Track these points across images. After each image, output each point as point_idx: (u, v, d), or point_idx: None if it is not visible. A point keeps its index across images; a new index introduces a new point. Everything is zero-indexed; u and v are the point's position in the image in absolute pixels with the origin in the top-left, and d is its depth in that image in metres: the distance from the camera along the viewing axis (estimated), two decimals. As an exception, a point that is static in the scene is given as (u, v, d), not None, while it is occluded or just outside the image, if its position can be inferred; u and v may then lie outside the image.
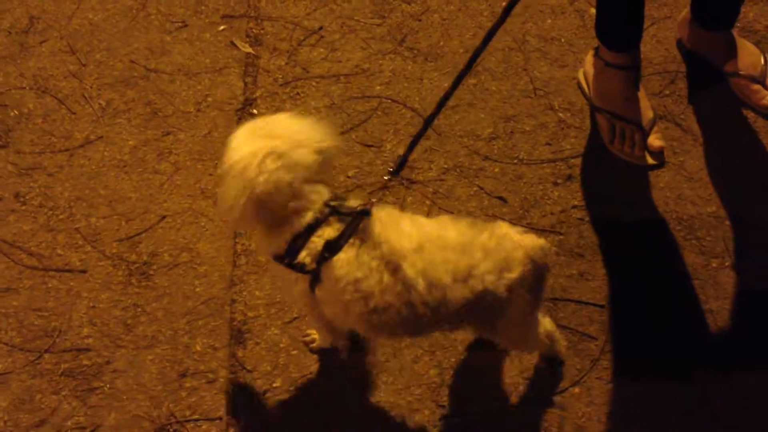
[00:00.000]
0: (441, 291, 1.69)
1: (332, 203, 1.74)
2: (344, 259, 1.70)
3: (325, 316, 1.86)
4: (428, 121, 1.85)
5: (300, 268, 1.74)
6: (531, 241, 1.75)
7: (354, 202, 1.77)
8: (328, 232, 1.72)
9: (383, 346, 2.21)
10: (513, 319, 1.79)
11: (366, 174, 2.56)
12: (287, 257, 1.74)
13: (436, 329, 1.85)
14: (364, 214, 1.73)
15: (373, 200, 1.76)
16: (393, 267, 1.68)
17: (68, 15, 2.92)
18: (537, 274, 1.76)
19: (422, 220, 1.79)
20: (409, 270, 1.68)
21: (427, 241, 1.71)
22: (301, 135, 1.73)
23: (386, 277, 1.68)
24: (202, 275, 2.36)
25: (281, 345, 2.24)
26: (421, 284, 1.68)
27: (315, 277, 1.75)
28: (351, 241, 1.71)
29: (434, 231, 1.74)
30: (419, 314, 1.70)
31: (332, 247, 1.71)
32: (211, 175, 2.55)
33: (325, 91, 2.75)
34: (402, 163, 1.80)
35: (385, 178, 1.78)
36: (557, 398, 2.13)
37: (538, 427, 2.09)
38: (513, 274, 1.71)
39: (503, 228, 1.76)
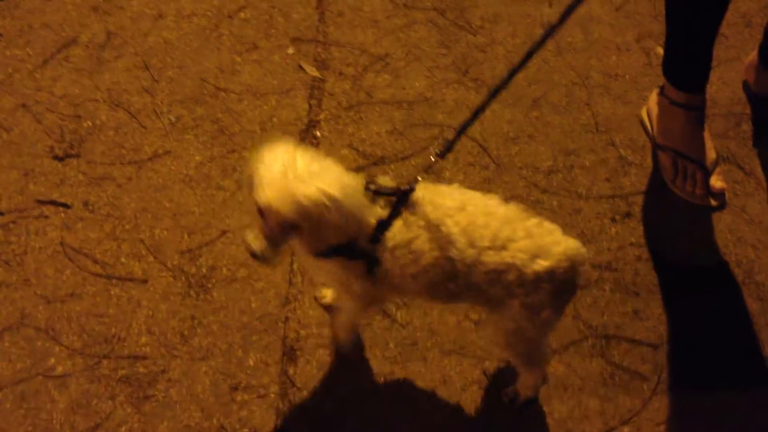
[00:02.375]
0: (477, 251, 1.73)
1: (371, 186, 1.78)
2: (395, 227, 1.75)
3: (378, 298, 1.91)
4: (477, 111, 1.87)
5: (357, 254, 1.77)
6: (574, 243, 1.78)
7: (389, 182, 1.82)
8: (377, 211, 1.76)
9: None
10: (523, 315, 1.78)
11: (424, 200, 2.58)
12: (339, 249, 1.76)
13: (465, 298, 1.86)
14: (410, 191, 1.77)
15: (418, 177, 1.79)
16: (437, 223, 1.74)
17: (144, 32, 3.03)
18: (568, 278, 1.76)
19: (465, 189, 1.85)
20: (453, 227, 1.74)
21: (470, 204, 1.77)
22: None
23: (432, 234, 1.73)
24: (259, 291, 2.40)
25: (332, 365, 2.27)
26: (461, 241, 1.73)
27: (372, 259, 1.78)
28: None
29: (479, 198, 1.81)
30: (457, 271, 1.75)
31: (384, 226, 1.75)
32: (272, 193, 2.60)
33: (388, 116, 2.79)
34: (449, 147, 1.83)
35: (432, 159, 1.82)
36: (607, 435, 2.11)
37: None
38: (546, 263, 1.72)
39: (552, 225, 1.80)
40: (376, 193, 1.78)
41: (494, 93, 1.84)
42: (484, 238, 1.73)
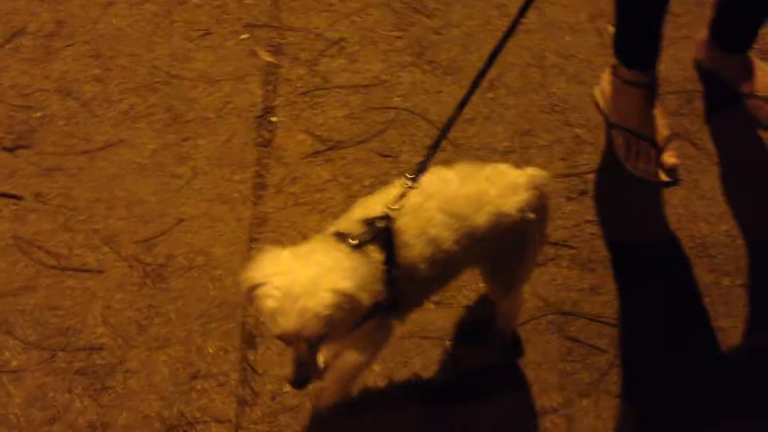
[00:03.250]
0: (468, 221, 1.77)
1: (354, 242, 1.69)
2: (403, 223, 1.74)
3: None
4: (445, 130, 1.87)
5: (384, 307, 1.74)
6: (532, 170, 1.88)
7: (361, 226, 1.75)
8: (377, 257, 1.71)
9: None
10: (525, 250, 1.91)
11: (382, 183, 2.56)
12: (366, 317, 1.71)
13: (467, 265, 1.93)
14: (388, 225, 1.74)
15: (388, 209, 1.76)
16: (423, 229, 1.75)
17: (94, 20, 2.98)
18: (541, 201, 1.88)
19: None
20: (436, 220, 1.76)
21: (431, 190, 1.79)
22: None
23: (425, 239, 1.75)
24: (217, 279, 2.39)
25: (292, 350, 2.26)
26: (450, 224, 1.76)
27: (397, 298, 1.76)
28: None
29: (434, 180, 1.82)
30: (466, 246, 1.78)
31: (390, 265, 1.71)
32: (228, 181, 2.58)
33: (344, 101, 2.78)
34: (421, 170, 1.81)
35: (407, 186, 1.77)
36: (565, 410, 2.13)
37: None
38: (520, 197, 1.82)
39: (503, 165, 1.89)
40: (359, 246, 1.70)
41: (472, 88, 1.89)
42: (463, 207, 1.77)
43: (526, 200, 1.82)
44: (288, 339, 1.59)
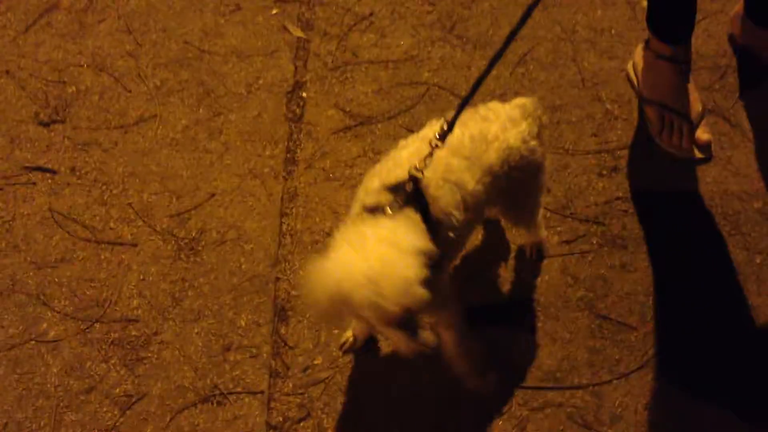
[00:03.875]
0: (482, 160, 1.83)
1: (392, 209, 1.72)
2: (425, 179, 1.76)
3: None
4: (466, 99, 1.83)
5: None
6: (520, 100, 1.96)
7: (389, 197, 1.77)
8: (416, 217, 1.74)
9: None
10: (537, 176, 2.00)
11: (411, 159, 2.58)
12: None
13: (489, 203, 1.96)
14: (417, 182, 1.75)
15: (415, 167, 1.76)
16: (446, 174, 1.80)
17: (126, -5, 3.00)
18: (537, 122, 1.96)
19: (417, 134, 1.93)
20: (456, 166, 1.81)
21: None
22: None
23: (451, 185, 1.80)
24: (248, 253, 2.41)
25: (323, 324, 2.29)
26: (467, 164, 1.82)
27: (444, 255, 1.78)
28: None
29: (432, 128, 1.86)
30: (486, 184, 1.84)
31: (430, 225, 1.75)
32: (259, 156, 2.60)
33: (374, 76, 2.78)
34: (448, 129, 1.80)
35: (434, 145, 1.78)
36: (594, 387, 2.14)
37: (574, 412, 2.11)
38: (520, 127, 1.89)
39: (494, 103, 1.97)
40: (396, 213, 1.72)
41: (493, 61, 1.86)
42: (473, 149, 1.82)
43: (527, 129, 1.90)
44: (397, 320, 1.57)
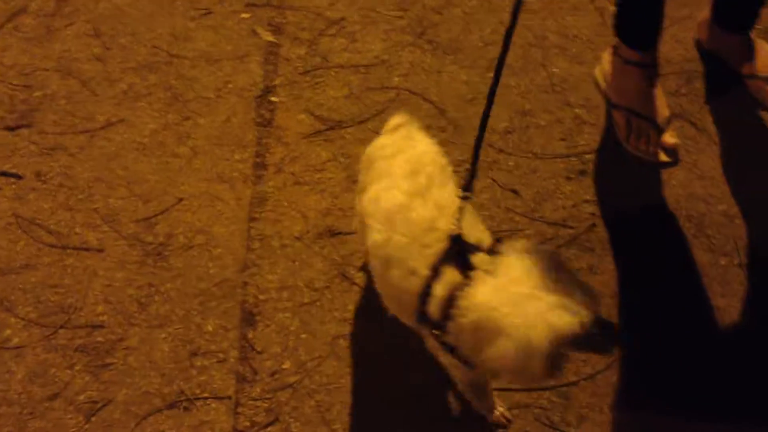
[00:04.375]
0: None
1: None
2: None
3: None
4: (477, 146, 1.79)
5: None
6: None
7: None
8: None
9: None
10: None
11: (381, 164, 2.58)
12: None
13: None
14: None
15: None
16: None
17: (95, -1, 2.98)
18: None
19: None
20: None
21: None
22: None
23: None
24: (216, 258, 2.40)
25: (291, 328, 2.27)
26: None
27: None
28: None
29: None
30: None
31: None
32: (228, 160, 2.59)
33: (344, 80, 2.78)
34: (471, 176, 1.73)
35: (464, 197, 1.70)
36: (560, 388, 2.14)
37: (540, 413, 2.11)
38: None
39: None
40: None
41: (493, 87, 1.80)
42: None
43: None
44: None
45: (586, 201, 2.46)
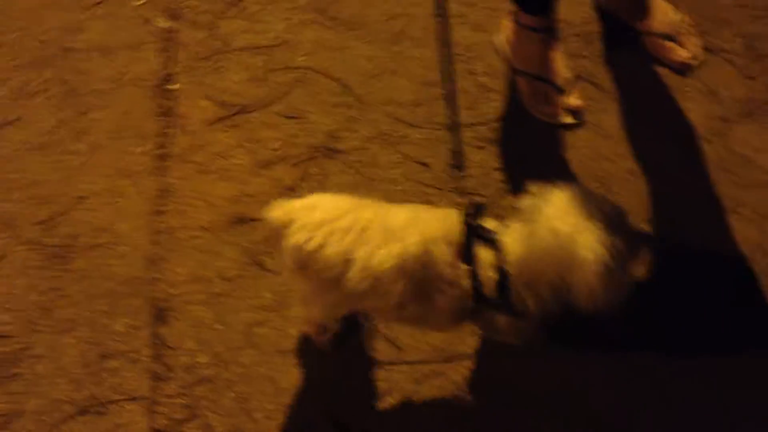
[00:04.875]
0: None
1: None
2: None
3: None
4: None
5: None
6: None
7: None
8: None
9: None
10: None
11: (290, 146, 2.54)
12: None
13: None
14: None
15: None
16: None
17: (-22, -5, 2.85)
18: None
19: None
20: None
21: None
22: None
23: None
24: (122, 255, 2.33)
25: (205, 321, 2.23)
26: None
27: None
28: None
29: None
30: None
31: None
32: (129, 154, 2.51)
33: (247, 63, 2.71)
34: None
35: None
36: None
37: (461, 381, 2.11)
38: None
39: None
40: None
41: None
42: None
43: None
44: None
45: (496, 169, 2.45)
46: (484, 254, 1.72)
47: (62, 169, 2.48)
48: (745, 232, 2.31)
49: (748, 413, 2.06)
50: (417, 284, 1.72)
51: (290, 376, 2.14)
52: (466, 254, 1.71)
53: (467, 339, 2.18)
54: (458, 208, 1.76)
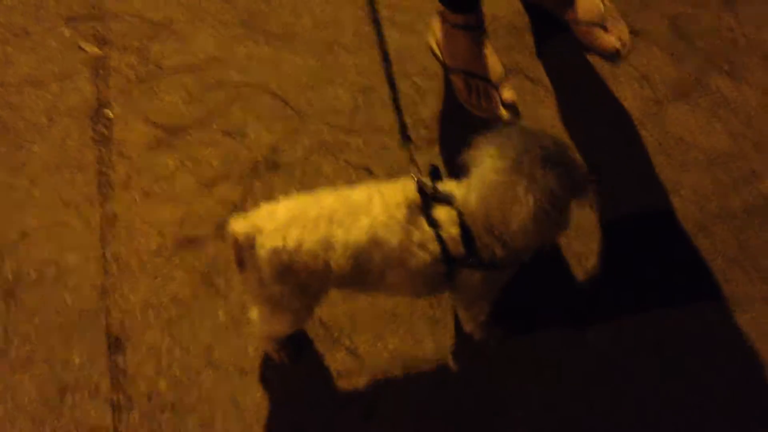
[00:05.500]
0: None
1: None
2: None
3: None
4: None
5: None
6: None
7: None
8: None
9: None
10: None
11: (232, 163, 2.54)
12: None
13: None
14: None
15: None
16: None
17: None
18: None
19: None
20: None
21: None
22: None
23: None
24: (73, 288, 2.31)
25: (162, 347, 2.22)
26: None
27: None
28: None
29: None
30: None
31: None
32: (70, 184, 2.48)
33: (181, 83, 2.70)
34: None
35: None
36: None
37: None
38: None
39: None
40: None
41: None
42: None
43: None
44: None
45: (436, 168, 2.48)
46: (443, 213, 1.77)
47: (2, 205, 2.44)
48: (686, 212, 2.39)
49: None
50: (391, 251, 1.76)
51: (252, 395, 2.15)
52: (427, 216, 1.77)
53: (426, 343, 2.22)
54: (414, 175, 1.81)
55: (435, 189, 1.80)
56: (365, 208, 1.76)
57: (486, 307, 2.07)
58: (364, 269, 1.78)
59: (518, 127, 1.75)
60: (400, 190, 1.81)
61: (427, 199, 1.78)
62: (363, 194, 1.80)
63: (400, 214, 1.76)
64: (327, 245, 1.74)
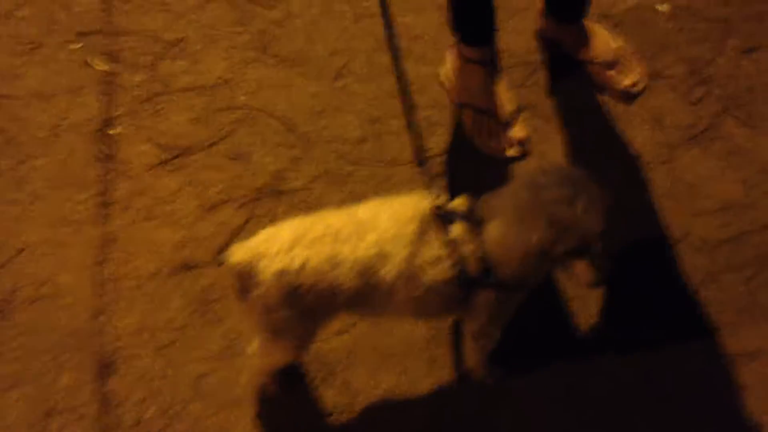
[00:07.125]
0: None
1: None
2: None
3: None
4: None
5: None
6: None
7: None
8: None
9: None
10: None
11: (235, 188, 2.51)
12: None
13: None
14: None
15: None
16: None
17: None
18: None
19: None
20: None
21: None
22: None
23: None
24: (66, 307, 2.27)
25: (153, 373, 2.18)
26: None
27: None
28: None
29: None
30: None
31: None
32: (71, 202, 2.46)
33: (188, 104, 2.68)
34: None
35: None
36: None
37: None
38: None
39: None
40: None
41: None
42: None
43: None
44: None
45: (443, 203, 2.44)
46: (457, 230, 1.75)
47: (1, 219, 2.41)
48: (694, 261, 2.34)
49: None
50: (399, 265, 1.72)
51: (241, 427, 2.10)
52: (444, 233, 1.74)
53: (422, 383, 2.17)
54: (426, 193, 1.80)
55: (449, 206, 1.80)
56: (372, 224, 1.73)
57: (496, 334, 2.01)
58: (372, 286, 1.74)
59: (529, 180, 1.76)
60: (411, 206, 1.78)
61: (445, 216, 1.76)
62: (369, 211, 1.77)
63: (410, 228, 1.73)
64: (333, 263, 1.71)
